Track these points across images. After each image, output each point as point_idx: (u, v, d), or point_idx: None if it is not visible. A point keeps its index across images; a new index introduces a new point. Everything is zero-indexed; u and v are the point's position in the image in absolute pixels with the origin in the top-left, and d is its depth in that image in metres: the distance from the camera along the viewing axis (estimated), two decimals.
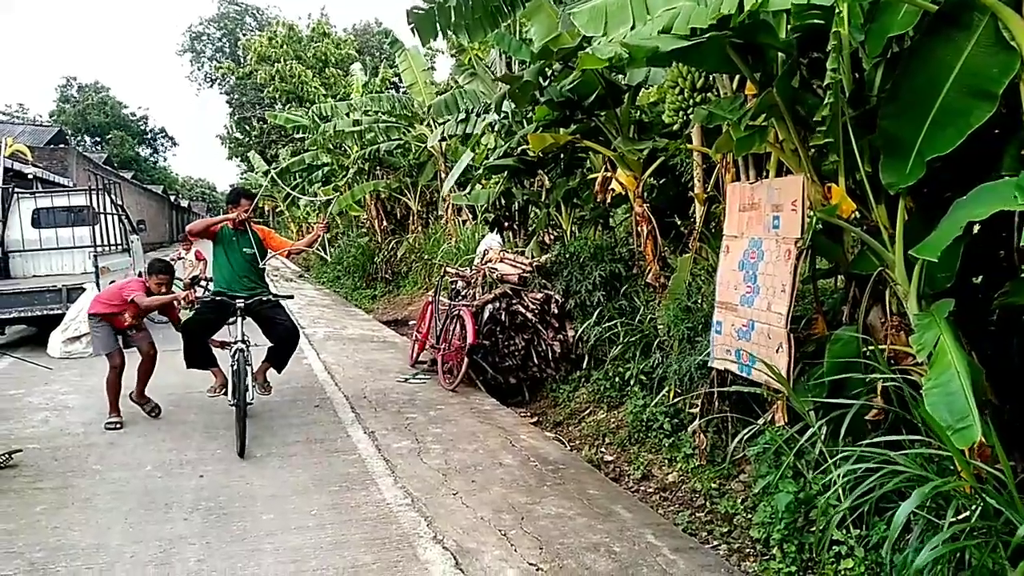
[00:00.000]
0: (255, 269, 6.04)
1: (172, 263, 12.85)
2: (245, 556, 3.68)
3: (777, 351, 3.78)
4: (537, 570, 3.55)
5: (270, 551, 3.72)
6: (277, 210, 34.20)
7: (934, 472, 2.92)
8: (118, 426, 5.94)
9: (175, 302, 6.23)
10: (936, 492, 2.78)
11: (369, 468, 5.00)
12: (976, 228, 3.34)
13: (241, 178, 44.55)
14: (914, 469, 2.94)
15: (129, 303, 5.92)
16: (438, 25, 6.02)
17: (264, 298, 5.99)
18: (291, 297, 6.46)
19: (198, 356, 5.94)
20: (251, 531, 3.98)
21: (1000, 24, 2.84)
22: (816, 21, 3.42)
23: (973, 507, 2.72)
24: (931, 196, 3.50)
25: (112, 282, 8.43)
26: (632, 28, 3.99)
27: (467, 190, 11.61)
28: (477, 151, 9.07)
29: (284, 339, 6.12)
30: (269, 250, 6.27)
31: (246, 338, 5.65)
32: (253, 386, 5.67)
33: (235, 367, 5.41)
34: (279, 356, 6.22)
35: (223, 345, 5.94)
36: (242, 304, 5.68)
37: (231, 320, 5.77)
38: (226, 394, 5.67)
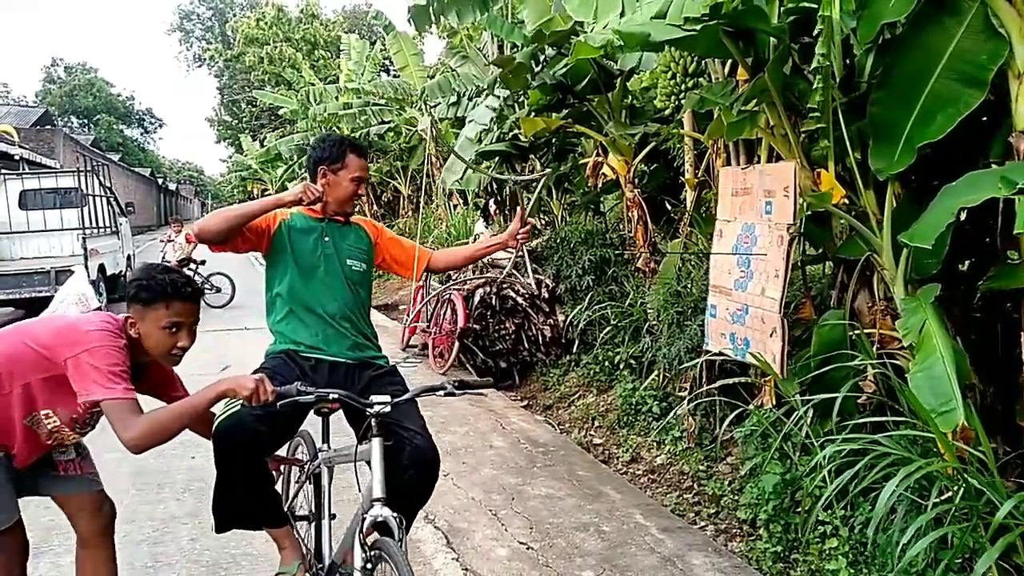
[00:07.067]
0: (363, 305, 3.05)
1: (172, 253, 12.66)
2: (237, 535, 3.70)
3: (771, 335, 3.81)
4: (527, 549, 3.61)
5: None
6: (267, 193, 34.11)
7: (918, 454, 2.97)
8: None
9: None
10: (920, 473, 2.83)
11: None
12: (963, 215, 3.38)
13: (229, 160, 44.27)
14: (899, 451, 2.99)
15: (87, 405, 2.20)
16: (432, 12, 6.04)
17: (392, 377, 2.91)
18: (490, 386, 3.09)
19: (244, 500, 2.64)
20: None
21: (989, 11, 2.87)
22: (808, 4, 3.43)
23: (956, 488, 2.77)
24: (919, 182, 3.54)
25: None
26: (621, 15, 4.02)
27: (459, 175, 11.61)
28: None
29: (414, 474, 2.64)
30: (381, 268, 3.30)
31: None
32: None
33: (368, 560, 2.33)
34: (404, 509, 2.47)
35: (279, 465, 2.98)
36: (387, 405, 2.43)
37: (322, 411, 2.71)
38: None
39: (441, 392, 2.50)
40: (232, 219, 2.63)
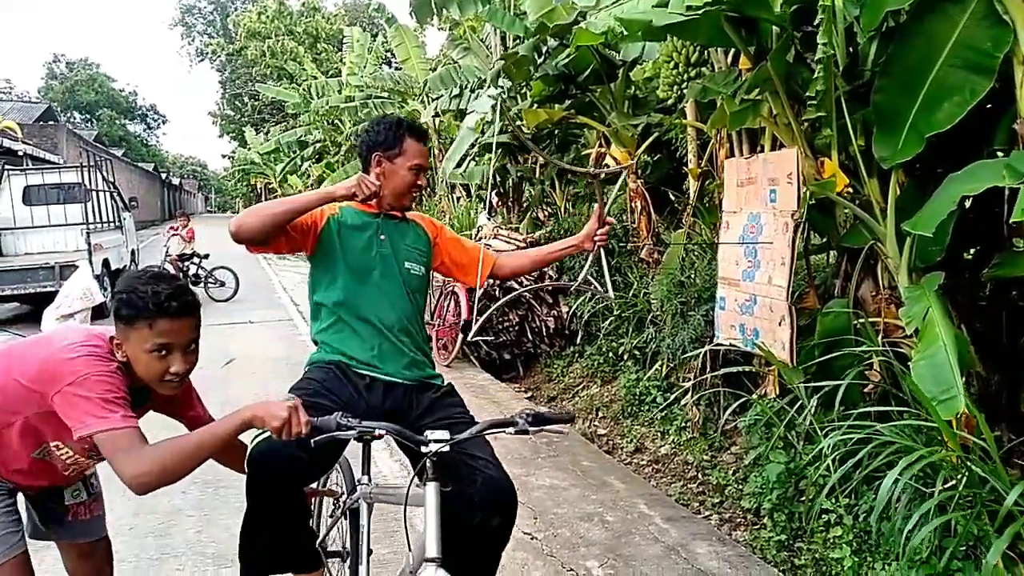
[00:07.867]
0: (421, 315, 2.61)
1: (172, 244, 12.68)
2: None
3: (780, 324, 3.81)
4: (532, 539, 3.62)
5: None
6: (269, 187, 34.13)
7: (922, 443, 2.98)
8: None
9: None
10: (923, 462, 2.83)
11: None
12: (968, 203, 3.37)
13: (232, 155, 44.28)
14: (902, 440, 2.99)
15: (84, 440, 1.84)
16: (434, 5, 6.04)
17: (452, 398, 2.54)
18: (571, 420, 2.38)
19: (278, 538, 2.32)
20: None
21: None
22: None
23: (959, 476, 2.78)
24: (923, 170, 3.53)
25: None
26: None
27: (461, 167, 11.60)
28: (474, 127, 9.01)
29: (487, 515, 2.24)
30: (439, 272, 2.78)
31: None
32: None
33: None
34: (477, 569, 2.29)
35: (311, 497, 2.58)
36: (445, 444, 1.98)
37: (365, 437, 1.98)
38: None
39: (511, 429, 2.08)
40: (276, 215, 2.24)
